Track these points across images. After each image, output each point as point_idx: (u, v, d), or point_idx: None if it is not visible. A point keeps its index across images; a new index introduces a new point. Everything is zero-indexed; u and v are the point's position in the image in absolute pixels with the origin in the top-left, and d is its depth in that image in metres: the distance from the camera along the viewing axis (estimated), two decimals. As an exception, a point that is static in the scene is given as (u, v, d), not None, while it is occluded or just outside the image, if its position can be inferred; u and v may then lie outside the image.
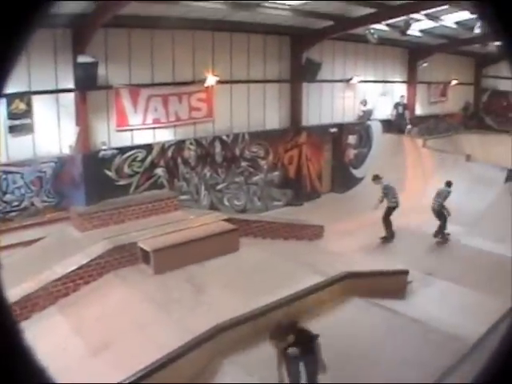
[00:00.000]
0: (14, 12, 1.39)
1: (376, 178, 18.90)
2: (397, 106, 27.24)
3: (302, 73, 21.95)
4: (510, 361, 1.44)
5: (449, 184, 18.94)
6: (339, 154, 25.08)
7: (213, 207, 19.41)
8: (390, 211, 18.44)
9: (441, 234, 18.70)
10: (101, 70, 15.52)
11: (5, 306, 1.54)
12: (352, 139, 25.35)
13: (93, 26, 14.80)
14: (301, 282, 12.47)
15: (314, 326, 10.88)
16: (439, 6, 18.97)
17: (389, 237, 18.44)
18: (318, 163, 23.91)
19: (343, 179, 25.11)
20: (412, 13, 19.43)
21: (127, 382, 8.33)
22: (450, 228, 18.95)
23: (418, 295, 13.74)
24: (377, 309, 12.05)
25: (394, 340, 10.75)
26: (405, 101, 27.67)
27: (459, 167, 23.57)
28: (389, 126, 26.80)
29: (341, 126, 24.83)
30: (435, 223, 18.71)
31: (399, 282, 13.88)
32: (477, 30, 20.29)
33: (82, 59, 14.71)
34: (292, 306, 11.33)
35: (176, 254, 13.81)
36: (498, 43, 27.26)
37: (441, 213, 18.63)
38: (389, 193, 18.36)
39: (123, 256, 13.67)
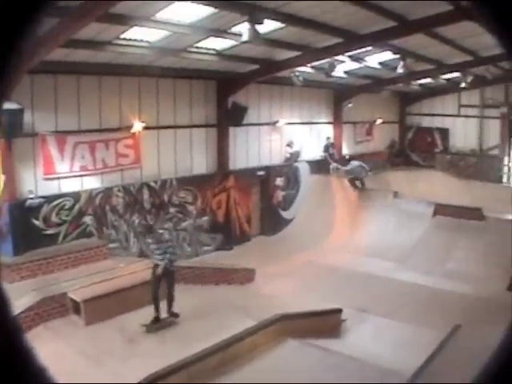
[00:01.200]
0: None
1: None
2: (326, 147, 27.70)
3: (228, 117, 22.14)
4: (510, 361, 1.46)
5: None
6: (267, 196, 25.22)
7: (142, 254, 19.05)
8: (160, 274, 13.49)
9: None
10: (27, 117, 15.24)
11: (5, 308, 1.56)
12: (280, 181, 25.55)
13: (18, 72, 14.59)
14: (234, 326, 12.38)
15: (248, 370, 10.86)
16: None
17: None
18: (246, 206, 23.95)
19: (272, 221, 25.20)
20: (336, 55, 19.86)
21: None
22: (382, 264, 19.33)
23: (353, 332, 13.87)
24: (312, 349, 12.07)
25: (330, 379, 10.74)
26: (331, 140, 28.22)
27: (387, 204, 24.09)
28: (317, 166, 27.17)
29: (268, 169, 25.04)
30: (365, 261, 19.20)
31: (333, 320, 13.99)
32: (399, 70, 20.87)
33: (7, 106, 14.44)
34: (226, 351, 11.24)
35: (107, 304, 13.58)
36: (420, 82, 28.37)
37: None
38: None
39: (53, 307, 13.34)
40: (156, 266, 13.36)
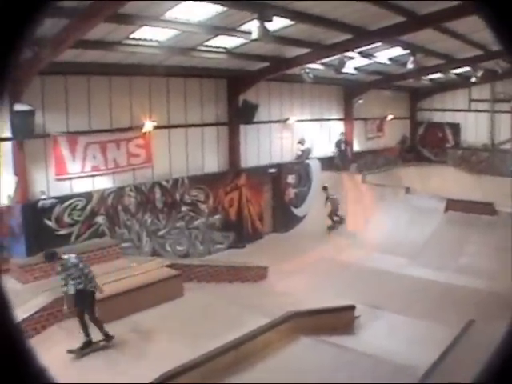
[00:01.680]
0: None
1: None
2: (339, 143, 27.70)
3: (239, 115, 22.13)
4: (510, 361, 1.45)
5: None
6: (279, 194, 25.20)
7: (155, 253, 19.19)
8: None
9: None
10: (38, 118, 15.28)
11: (6, 309, 1.57)
12: (291, 179, 25.51)
13: (29, 74, 14.61)
14: (247, 324, 12.37)
15: (261, 368, 10.84)
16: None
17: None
18: (258, 204, 23.93)
19: (284, 219, 25.16)
20: (346, 51, 19.84)
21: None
22: (394, 260, 19.31)
23: (367, 329, 13.79)
24: (325, 346, 12.03)
25: (344, 376, 10.70)
26: (344, 137, 28.21)
27: (399, 200, 24.03)
28: (330, 163, 27.13)
29: (280, 166, 25.02)
30: (377, 257, 19.19)
31: (346, 317, 13.92)
32: (409, 66, 20.83)
33: (18, 108, 14.46)
34: (239, 349, 11.23)
35: (120, 303, 13.59)
36: (430, 77, 28.29)
37: None
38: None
39: (67, 307, 13.40)
40: (77, 291, 11.96)
